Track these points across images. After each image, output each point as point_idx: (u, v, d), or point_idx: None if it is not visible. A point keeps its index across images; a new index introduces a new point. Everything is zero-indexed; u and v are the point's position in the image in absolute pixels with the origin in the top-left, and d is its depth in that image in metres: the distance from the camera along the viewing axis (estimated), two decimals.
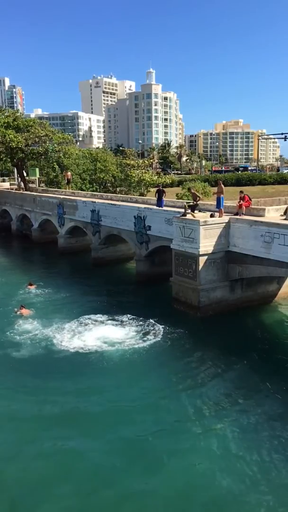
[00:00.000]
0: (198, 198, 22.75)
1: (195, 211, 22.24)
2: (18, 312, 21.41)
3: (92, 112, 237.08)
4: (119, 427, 12.66)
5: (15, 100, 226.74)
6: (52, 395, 14.33)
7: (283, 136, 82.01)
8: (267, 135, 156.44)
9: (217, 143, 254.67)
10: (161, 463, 11.16)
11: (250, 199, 22.32)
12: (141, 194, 47.73)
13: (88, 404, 13.91)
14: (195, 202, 22.47)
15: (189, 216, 21.55)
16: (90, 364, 16.23)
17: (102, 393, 14.64)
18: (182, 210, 22.34)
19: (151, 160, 72.95)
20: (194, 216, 21.64)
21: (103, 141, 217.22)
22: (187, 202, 23.28)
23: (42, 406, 13.72)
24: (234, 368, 15.96)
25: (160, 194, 26.43)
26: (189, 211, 21.87)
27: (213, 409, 13.40)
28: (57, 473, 10.96)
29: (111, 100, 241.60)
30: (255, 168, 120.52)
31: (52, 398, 14.16)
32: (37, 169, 54.63)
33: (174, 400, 14.05)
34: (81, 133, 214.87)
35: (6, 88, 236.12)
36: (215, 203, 22.80)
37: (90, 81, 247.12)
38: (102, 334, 18.42)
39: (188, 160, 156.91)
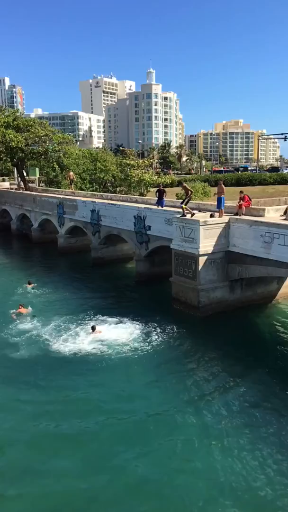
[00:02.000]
0: (189, 192, 22.74)
1: (196, 212, 22.28)
2: (17, 311, 21.38)
3: (92, 112, 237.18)
4: (116, 441, 11.99)
5: (15, 99, 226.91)
6: (48, 400, 14.03)
7: (283, 136, 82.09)
8: (267, 135, 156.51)
9: (217, 143, 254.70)
10: (159, 479, 10.63)
11: (250, 199, 22.31)
12: (141, 194, 47.73)
13: (85, 412, 13.35)
14: (186, 197, 22.41)
15: (188, 216, 21.56)
16: (89, 366, 16.09)
17: (101, 399, 14.20)
18: (181, 210, 22.33)
19: (151, 160, 72.86)
20: (190, 211, 21.71)
21: (103, 141, 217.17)
22: (181, 202, 23.11)
23: (37, 413, 13.29)
24: (235, 369, 15.92)
25: (160, 194, 26.45)
26: (188, 211, 21.89)
27: (215, 412, 13.22)
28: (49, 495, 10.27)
29: (111, 100, 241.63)
30: (255, 168, 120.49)
31: (48, 404, 13.79)
32: (37, 169, 54.67)
33: (175, 404, 13.72)
34: (81, 133, 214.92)
35: (6, 88, 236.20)
36: (215, 203, 22.80)
37: (90, 81, 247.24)
38: (101, 334, 18.34)
39: (188, 160, 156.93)
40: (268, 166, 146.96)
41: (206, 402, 13.79)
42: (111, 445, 11.89)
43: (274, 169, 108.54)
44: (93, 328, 18.61)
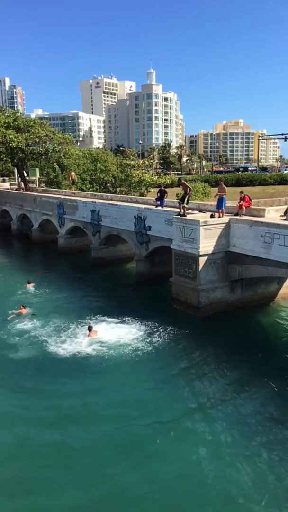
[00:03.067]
0: (188, 190, 22.65)
1: (197, 213, 22.22)
2: (18, 311, 21.36)
3: (92, 112, 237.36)
4: (116, 446, 11.77)
5: (15, 100, 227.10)
6: (47, 402, 13.79)
7: (283, 136, 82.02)
8: (267, 135, 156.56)
9: (217, 144, 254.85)
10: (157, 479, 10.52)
11: (250, 200, 22.31)
12: (141, 194, 47.76)
13: (82, 418, 13.07)
14: (186, 194, 22.26)
15: (189, 217, 21.54)
16: (89, 366, 16.00)
17: (99, 403, 13.93)
18: (181, 210, 22.32)
19: (151, 161, 72.87)
20: (184, 209, 21.69)
21: (103, 141, 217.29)
22: (180, 201, 22.87)
23: (36, 415, 13.11)
24: (236, 369, 15.87)
25: (162, 194, 26.42)
26: (186, 211, 21.82)
27: (217, 413, 13.13)
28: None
29: (111, 101, 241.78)
30: (255, 168, 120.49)
31: (47, 407, 13.51)
32: (37, 169, 54.69)
33: (175, 408, 13.54)
34: (81, 133, 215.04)
35: (7, 88, 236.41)
36: (215, 203, 22.75)
37: (91, 81, 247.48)
38: (101, 335, 18.31)
39: (188, 161, 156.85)
40: (268, 166, 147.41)
41: (208, 406, 13.60)
42: (109, 452, 11.51)
43: (263, 169, 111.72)
44: (90, 329, 18.50)
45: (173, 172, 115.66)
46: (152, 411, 13.54)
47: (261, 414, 13.09)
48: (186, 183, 23.46)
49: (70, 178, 44.04)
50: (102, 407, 13.78)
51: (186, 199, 22.18)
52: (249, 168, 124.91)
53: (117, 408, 13.67)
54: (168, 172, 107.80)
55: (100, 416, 13.28)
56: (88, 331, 18.44)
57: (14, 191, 49.85)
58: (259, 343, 18.30)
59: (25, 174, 52.89)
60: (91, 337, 18.09)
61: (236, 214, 21.50)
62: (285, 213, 20.48)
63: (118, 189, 53.92)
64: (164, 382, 15.24)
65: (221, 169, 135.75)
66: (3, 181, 61.08)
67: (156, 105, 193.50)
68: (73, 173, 45.06)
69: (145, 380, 15.36)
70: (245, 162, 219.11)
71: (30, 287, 25.67)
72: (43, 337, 18.46)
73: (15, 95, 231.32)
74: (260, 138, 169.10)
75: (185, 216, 21.79)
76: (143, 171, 51.36)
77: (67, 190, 43.24)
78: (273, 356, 17.17)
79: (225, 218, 21.08)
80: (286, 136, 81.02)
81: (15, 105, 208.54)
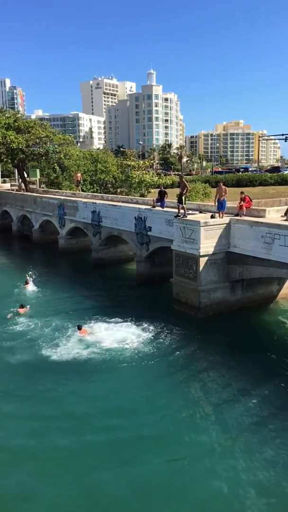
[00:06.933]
0: (186, 188, 22.53)
1: (197, 213, 22.16)
2: (16, 310, 21.35)
3: (92, 113, 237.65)
4: (118, 450, 11.50)
5: (15, 101, 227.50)
6: (46, 405, 13.63)
7: (283, 137, 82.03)
8: (267, 136, 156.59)
9: (217, 144, 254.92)
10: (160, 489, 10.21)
11: (251, 200, 22.28)
12: (142, 195, 47.74)
13: (85, 418, 12.92)
14: (184, 193, 22.10)
15: (189, 217, 21.52)
16: (88, 368, 15.92)
17: (101, 404, 13.79)
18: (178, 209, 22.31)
19: (152, 161, 72.82)
20: (184, 209, 21.68)
21: (103, 142, 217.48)
22: (178, 200, 22.58)
23: (35, 416, 12.96)
24: (237, 370, 15.84)
25: (161, 195, 26.42)
26: (186, 212, 21.75)
27: (218, 414, 13.08)
28: None
29: (111, 101, 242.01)
30: (255, 169, 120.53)
31: (46, 409, 13.37)
32: (37, 170, 54.68)
33: (178, 408, 13.53)
34: (81, 134, 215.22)
35: (7, 89, 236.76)
36: (216, 204, 22.67)
37: (91, 82, 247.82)
38: (101, 336, 18.25)
39: (188, 161, 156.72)
40: (268, 167, 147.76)
41: (210, 408, 13.49)
42: (101, 463, 11.16)
43: (237, 170, 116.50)
44: (79, 327, 18.40)
45: (174, 173, 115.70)
46: (151, 415, 13.41)
47: (265, 416, 13.05)
48: (185, 181, 23.36)
49: (76, 178, 44.01)
50: (98, 413, 13.45)
51: (184, 199, 22.07)
52: (250, 169, 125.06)
53: (114, 415, 13.29)
54: (169, 172, 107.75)
55: (93, 423, 12.85)
56: (78, 330, 18.33)
57: (14, 192, 49.83)
58: (260, 343, 18.30)
59: (25, 175, 52.86)
60: (83, 335, 18.02)
61: (237, 215, 21.48)
62: (285, 214, 20.45)
63: (118, 190, 53.94)
64: (165, 384, 15.17)
65: (220, 169, 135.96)
66: (4, 182, 61.03)
67: (156, 105, 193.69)
68: (79, 174, 45.00)
69: (145, 382, 15.29)
70: (245, 163, 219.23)
71: (29, 287, 25.61)
72: (41, 338, 18.39)
73: (15, 96, 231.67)
74: (260, 138, 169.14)
75: (186, 216, 21.78)
76: (144, 171, 51.36)
77: (68, 191, 43.23)
78: (274, 356, 17.12)
79: (226, 219, 21.07)
80: (286, 137, 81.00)
81: (16, 106, 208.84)
